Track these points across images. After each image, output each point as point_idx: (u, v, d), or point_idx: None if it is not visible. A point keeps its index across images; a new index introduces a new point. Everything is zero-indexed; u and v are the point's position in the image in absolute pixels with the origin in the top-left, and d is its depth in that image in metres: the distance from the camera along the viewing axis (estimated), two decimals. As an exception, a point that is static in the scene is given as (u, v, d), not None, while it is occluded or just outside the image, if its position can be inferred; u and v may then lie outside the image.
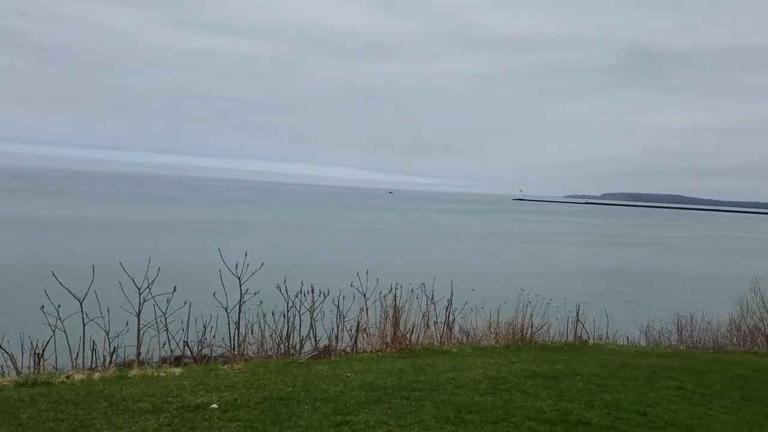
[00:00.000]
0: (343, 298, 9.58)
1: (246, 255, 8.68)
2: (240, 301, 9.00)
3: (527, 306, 11.11)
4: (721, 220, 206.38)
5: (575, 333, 11.75)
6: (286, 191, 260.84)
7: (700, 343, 13.45)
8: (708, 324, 14.70)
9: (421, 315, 10.24)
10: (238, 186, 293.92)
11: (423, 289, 10.32)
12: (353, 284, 9.58)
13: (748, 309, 16.97)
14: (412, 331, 9.97)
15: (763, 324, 16.34)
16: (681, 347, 12.72)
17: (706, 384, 7.73)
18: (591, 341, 11.67)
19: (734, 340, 14.59)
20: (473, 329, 11.31)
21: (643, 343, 13.25)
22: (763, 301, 16.98)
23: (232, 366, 8.00)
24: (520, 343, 10.78)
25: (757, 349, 13.83)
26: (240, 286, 9.00)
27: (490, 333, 11.19)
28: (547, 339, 11.48)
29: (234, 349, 8.97)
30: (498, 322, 11.30)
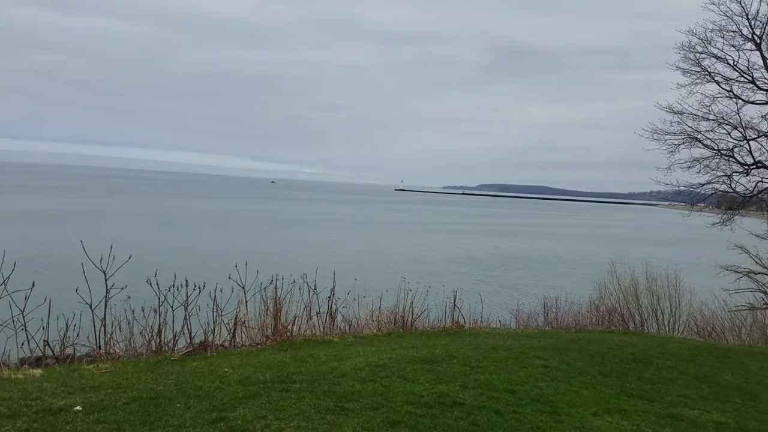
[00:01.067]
0: (221, 291, 9.24)
1: (111, 247, 8.12)
2: (106, 296, 8.41)
3: (408, 294, 11.33)
4: (582, 209, 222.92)
5: (453, 318, 12.15)
6: (164, 180, 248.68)
7: (563, 323, 14.39)
8: (571, 306, 15.78)
9: (303, 306, 10.12)
10: (115, 175, 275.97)
11: (305, 279, 10.20)
12: (231, 276, 9.27)
13: (606, 291, 18.45)
14: (294, 322, 9.83)
15: (619, 305, 17.84)
16: (547, 328, 13.55)
17: (569, 361, 8.28)
18: (467, 326, 12.12)
19: (594, 320, 15.77)
20: (356, 318, 11.37)
21: (513, 325, 13.97)
22: (619, 284, 18.52)
23: (98, 365, 7.50)
24: (401, 330, 10.98)
25: (614, 328, 15.05)
26: (105, 280, 8.42)
27: (373, 321, 11.31)
28: (426, 325, 11.79)
29: (100, 347, 8.39)
30: (380, 311, 11.44)
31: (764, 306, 21.38)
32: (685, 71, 21.97)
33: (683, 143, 22.29)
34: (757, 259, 23.63)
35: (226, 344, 9.26)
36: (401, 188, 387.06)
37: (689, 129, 22.22)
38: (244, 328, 9.50)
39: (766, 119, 21.81)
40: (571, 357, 8.62)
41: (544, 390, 6.71)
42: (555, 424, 5.60)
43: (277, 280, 9.71)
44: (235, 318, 9.36)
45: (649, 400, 6.82)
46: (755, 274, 23.65)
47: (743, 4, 20.77)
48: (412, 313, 11.31)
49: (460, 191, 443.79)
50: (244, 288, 9.46)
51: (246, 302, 9.53)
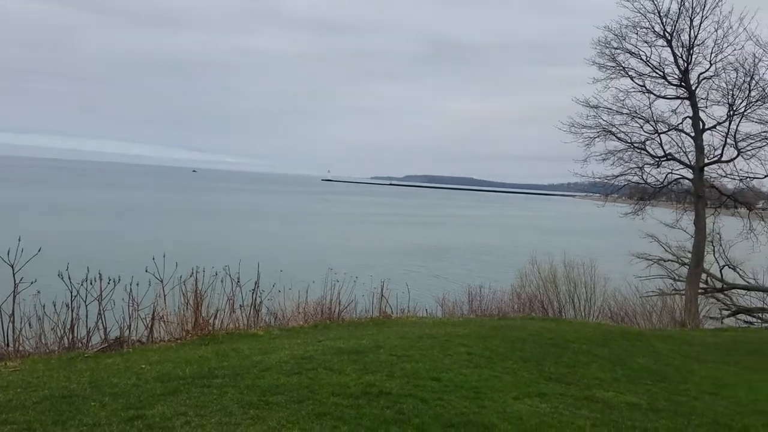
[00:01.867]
0: (137, 284, 8.85)
1: (20, 240, 7.63)
2: (14, 291, 7.92)
3: (335, 285, 11.25)
4: (507, 200, 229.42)
5: (380, 308, 12.19)
6: (75, 169, 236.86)
7: (487, 311, 14.73)
8: (494, 294, 16.19)
9: (225, 299, 9.85)
10: (19, 164, 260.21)
11: (227, 271, 9.92)
12: (148, 269, 8.90)
13: (527, 279, 19.07)
14: (216, 316, 9.56)
15: (540, 292, 18.47)
16: (471, 316, 13.81)
17: (492, 348, 8.47)
18: (394, 315, 12.18)
19: (516, 307, 16.24)
20: (281, 311, 11.19)
21: (440, 314, 14.16)
22: (539, 272, 19.17)
23: (6, 364, 7.06)
24: (328, 321, 10.90)
25: (534, 314, 15.55)
26: (13, 274, 7.92)
27: (299, 313, 11.17)
28: (354, 316, 11.76)
29: (8, 345, 7.89)
30: (306, 302, 11.31)
31: (673, 292, 22.70)
32: (601, 66, 22.90)
33: (599, 136, 23.27)
34: (666, 247, 25.06)
35: (144, 340, 8.91)
36: (328, 178, 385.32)
37: (604, 123, 23.23)
38: (162, 323, 9.15)
39: (675, 113, 23.06)
40: (494, 344, 8.81)
41: (468, 376, 6.83)
42: (478, 410, 5.70)
43: (197, 272, 9.41)
44: (153, 312, 9.01)
45: (567, 383, 7.08)
46: (665, 261, 25.09)
47: (655, 2, 21.82)
48: (339, 304, 11.24)
49: (388, 182, 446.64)
50: (162, 281, 9.11)
51: (164, 296, 9.18)
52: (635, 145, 23.28)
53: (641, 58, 22.53)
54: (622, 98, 22.99)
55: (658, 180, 23.90)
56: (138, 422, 4.87)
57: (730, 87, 21.99)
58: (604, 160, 23.49)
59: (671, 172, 23.79)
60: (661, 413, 6.27)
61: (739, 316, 24.96)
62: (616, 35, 22.40)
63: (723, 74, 21.94)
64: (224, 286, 9.85)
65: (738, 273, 25.38)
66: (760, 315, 24.74)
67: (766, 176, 23.11)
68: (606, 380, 7.51)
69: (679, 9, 21.53)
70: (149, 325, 8.96)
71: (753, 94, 21.82)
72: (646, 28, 22.10)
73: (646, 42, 22.35)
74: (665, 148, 23.29)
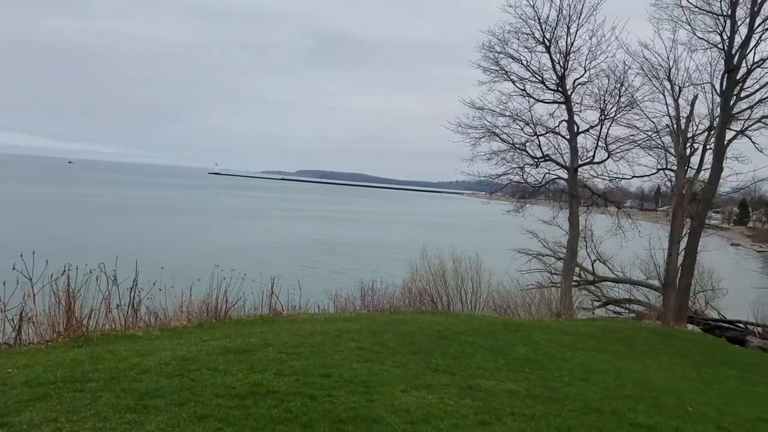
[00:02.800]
0: (4, 283, 8.11)
1: None
2: None
3: (222, 282, 10.88)
4: (399, 197, 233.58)
5: (270, 305, 11.96)
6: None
7: (379, 306, 14.87)
8: (386, 289, 16.36)
9: (101, 298, 9.25)
10: None
11: (103, 269, 9.32)
12: (15, 267, 8.18)
13: (417, 274, 19.43)
14: (90, 316, 8.95)
15: (429, 286, 18.88)
16: (363, 311, 13.91)
17: (382, 342, 8.55)
18: (285, 312, 12.01)
19: (407, 301, 16.51)
20: (162, 310, 10.67)
21: (332, 310, 14.12)
22: (429, 267, 19.59)
23: None
24: (214, 320, 10.53)
25: (424, 308, 15.90)
26: None
27: (182, 312, 10.70)
28: (242, 314, 11.45)
29: None
30: (190, 301, 10.86)
31: (550, 284, 24.09)
32: (485, 69, 23.85)
33: (484, 137, 24.26)
34: (544, 243, 26.56)
35: (11, 342, 8.21)
36: (216, 171, 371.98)
37: (489, 124, 24.25)
38: (31, 324, 8.46)
39: (553, 117, 24.47)
40: (384, 338, 8.91)
41: (358, 371, 6.84)
42: (367, 404, 5.73)
43: (69, 270, 8.76)
44: (21, 313, 8.31)
45: (452, 373, 7.28)
46: (543, 256, 26.59)
47: (536, 9, 22.99)
48: (226, 302, 10.88)
49: (279, 177, 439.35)
50: (31, 280, 8.41)
51: (33, 295, 8.49)
52: (517, 146, 24.49)
53: (522, 63, 23.71)
54: (505, 101, 24.12)
55: (537, 179, 25.31)
56: (3, 430, 4.53)
57: (602, 93, 23.69)
58: (489, 159, 24.54)
59: (549, 172, 25.27)
60: (538, 399, 6.61)
61: (609, 306, 27.00)
62: (500, 40, 23.42)
63: (596, 80, 23.59)
64: (99, 285, 9.25)
65: (608, 267, 27.42)
66: (627, 305, 26.87)
67: (633, 177, 25.13)
68: (489, 369, 7.81)
69: (558, 17, 22.86)
70: (17, 327, 8.27)
71: (622, 99, 23.64)
72: (527, 34, 23.28)
73: (526, 47, 23.55)
74: (543, 149, 24.70)
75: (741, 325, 27.59)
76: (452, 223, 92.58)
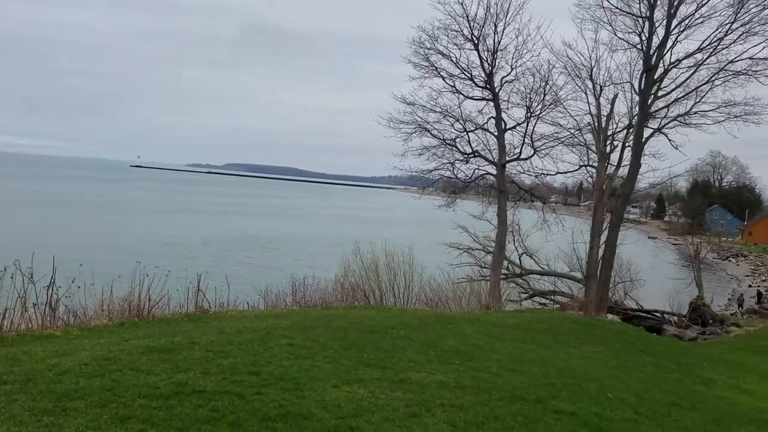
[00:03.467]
0: None
1: None
2: None
3: (144, 279, 10.48)
4: (331, 192, 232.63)
5: (196, 303, 11.63)
6: None
7: (311, 302, 14.73)
8: (318, 284, 16.23)
9: (16, 296, 8.75)
10: None
11: (18, 266, 8.81)
12: None
13: (350, 269, 19.40)
14: (5, 315, 8.46)
15: (362, 281, 18.87)
16: (295, 307, 13.73)
17: (314, 338, 8.47)
18: (213, 310, 11.70)
19: (339, 297, 16.43)
20: (82, 309, 10.19)
21: (262, 306, 13.87)
22: (362, 262, 19.60)
23: None
24: (136, 318, 10.14)
25: (357, 303, 15.87)
26: None
27: (103, 311, 10.25)
28: (167, 312, 11.07)
29: None
30: (111, 299, 10.42)
31: (480, 278, 24.62)
32: (416, 65, 24.06)
33: (415, 132, 24.48)
34: (474, 237, 27.12)
35: None
36: (138, 164, 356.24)
37: (420, 119, 24.48)
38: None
39: (482, 113, 24.96)
40: (316, 334, 8.82)
41: (289, 368, 6.75)
42: (297, 400, 5.66)
43: (-20, 268, 8.25)
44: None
45: (384, 367, 7.30)
46: (473, 250, 27.15)
47: (464, 6, 23.35)
48: (150, 300, 10.48)
49: (206, 170, 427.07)
50: (-65, 279, 7.86)
51: (-60, 296, 7.93)
52: (447, 141, 24.86)
53: (452, 60, 24.06)
54: (435, 97, 24.42)
55: (467, 175, 25.78)
56: None
57: (528, 91, 24.37)
58: (420, 155, 24.80)
59: (478, 168, 25.79)
60: (467, 390, 6.73)
61: (535, 298, 27.90)
62: (429, 36, 23.67)
63: (522, 79, 24.24)
64: (14, 283, 8.76)
65: (534, 260, 28.31)
66: (552, 297, 27.84)
67: (557, 173, 26.01)
68: (420, 362, 7.87)
69: (485, 15, 23.31)
70: None
71: (547, 98, 24.39)
72: (456, 31, 23.63)
73: (456, 44, 23.90)
74: (473, 145, 25.18)
75: (658, 314, 29.15)
76: (385, 218, 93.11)
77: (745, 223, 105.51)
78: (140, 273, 10.41)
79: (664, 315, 29.20)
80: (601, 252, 24.81)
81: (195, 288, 11.67)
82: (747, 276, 63.00)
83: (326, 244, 49.18)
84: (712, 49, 22.67)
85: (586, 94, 25.40)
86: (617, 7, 23.21)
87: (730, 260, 76.19)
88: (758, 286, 53.56)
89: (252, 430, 4.94)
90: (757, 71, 22.25)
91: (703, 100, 23.69)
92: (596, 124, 25.44)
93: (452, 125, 24.89)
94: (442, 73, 24.14)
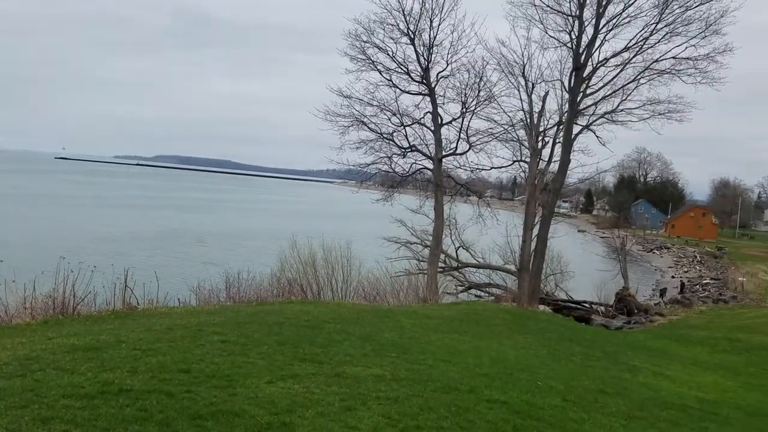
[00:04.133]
0: None
1: None
2: None
3: (69, 275, 10.03)
4: (267, 185, 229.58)
5: (124, 300, 11.23)
6: None
7: (245, 297, 14.47)
8: (253, 279, 15.96)
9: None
10: None
11: (-72, 263, 8.28)
12: None
13: (287, 264, 19.18)
14: None
15: (299, 276, 18.70)
16: (229, 303, 13.46)
17: (247, 334, 8.32)
18: (141, 307, 11.33)
19: (275, 292, 16.21)
20: (3, 306, 9.70)
21: (194, 302, 13.53)
22: (299, 256, 19.41)
23: None
24: (60, 316, 9.71)
25: (293, 298, 15.69)
26: None
27: (25, 309, 9.77)
28: (93, 309, 10.65)
29: None
30: (34, 296, 9.93)
31: (418, 271, 24.86)
32: (352, 58, 24.02)
33: (352, 125, 24.46)
34: (412, 231, 27.35)
35: None
36: (63, 156, 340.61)
37: (357, 113, 24.48)
38: None
39: (418, 108, 25.18)
40: (250, 330, 8.67)
41: (221, 365, 6.61)
42: (229, 398, 5.55)
43: None
44: None
45: (320, 362, 7.25)
46: (411, 243, 27.37)
47: (400, 1, 23.45)
48: (74, 296, 10.05)
49: (135, 162, 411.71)
50: None
51: None
52: (384, 135, 24.97)
53: (388, 54, 24.14)
54: (373, 90, 24.46)
55: (404, 169, 25.98)
56: None
57: (463, 86, 24.75)
58: (357, 148, 24.82)
59: (415, 162, 26.05)
60: (402, 382, 6.77)
61: (471, 290, 28.42)
62: (366, 29, 23.65)
63: (458, 74, 24.59)
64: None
65: (470, 253, 28.82)
66: (487, 289, 28.42)
67: (492, 168, 26.57)
68: (356, 356, 7.87)
69: (421, 9, 23.48)
70: None
71: (482, 94, 24.83)
72: (392, 25, 23.71)
73: (392, 38, 24.00)
74: (410, 140, 25.40)
75: (586, 304, 30.24)
76: (323, 212, 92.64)
77: (669, 216, 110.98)
78: (65, 269, 9.97)
79: (592, 305, 30.34)
80: (533, 245, 25.50)
81: (122, 284, 11.27)
82: (670, 267, 66.28)
83: (263, 238, 48.52)
84: (638, 49, 23.65)
85: (519, 90, 26.02)
86: (548, 6, 23.83)
87: (654, 252, 79.97)
88: (681, 277, 56.46)
89: (181, 429, 4.81)
90: (680, 70, 23.36)
91: (629, 98, 24.72)
92: (528, 120, 26.10)
93: (389, 119, 25.01)
94: (378, 67, 24.21)
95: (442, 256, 26.98)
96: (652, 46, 23.48)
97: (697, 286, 51.17)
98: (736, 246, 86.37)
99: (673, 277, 57.79)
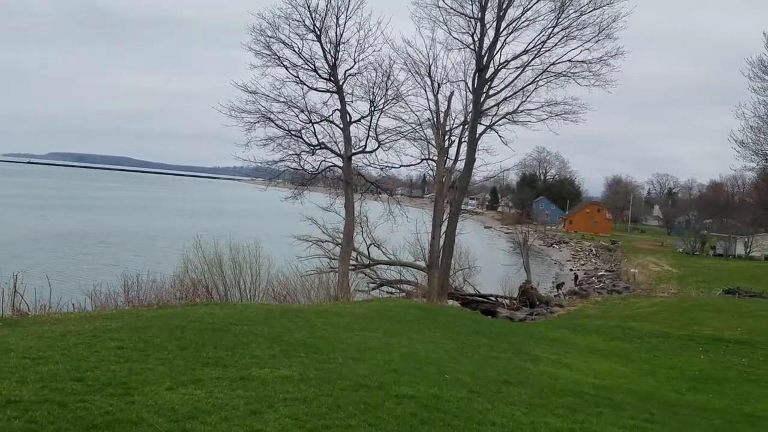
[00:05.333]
0: None
1: None
2: None
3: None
4: (170, 183, 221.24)
5: (13, 305, 10.47)
6: None
7: (145, 301, 13.83)
8: (153, 282, 15.29)
9: None
10: None
11: None
12: None
13: (191, 265, 18.51)
14: None
15: (204, 277, 18.11)
16: (127, 307, 12.83)
17: (146, 339, 7.95)
18: (32, 313, 10.60)
19: (178, 294, 15.60)
20: None
21: (89, 307, 12.81)
22: (204, 257, 18.80)
23: None
24: (-62, 326, 8.89)
25: (198, 300, 15.16)
26: None
27: None
28: (-24, 317, 9.83)
29: None
30: None
31: (329, 269, 24.77)
32: (257, 53, 23.53)
33: (258, 122, 23.97)
34: (323, 229, 27.18)
35: None
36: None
37: (263, 109, 24.00)
38: None
39: (327, 105, 25.05)
40: (149, 334, 8.30)
41: (117, 372, 6.28)
42: (126, 406, 5.27)
43: None
44: None
45: (224, 366, 7.04)
46: (322, 242, 27.20)
47: (306, -4, 23.17)
48: (-46, 304, 9.26)
49: (26, 159, 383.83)
50: None
51: None
52: (292, 132, 24.65)
53: (294, 50, 23.84)
54: (279, 87, 24.08)
55: (314, 167, 25.77)
56: None
57: (370, 85, 24.87)
58: (265, 145, 24.35)
59: (325, 160, 25.91)
60: (311, 382, 6.69)
61: (383, 287, 28.64)
62: (270, 24, 23.23)
63: (365, 73, 24.68)
64: None
65: (381, 250, 29.03)
66: (398, 286, 28.74)
67: (401, 166, 26.89)
68: (264, 358, 7.71)
69: (327, 6, 23.34)
70: None
71: (389, 92, 25.07)
72: (298, 21, 23.42)
73: (298, 34, 23.71)
74: (319, 137, 25.23)
75: (492, 298, 31.30)
76: (229, 210, 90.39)
77: (567, 212, 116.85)
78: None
79: (498, 298, 31.44)
80: (442, 241, 26.04)
81: (11, 289, 10.50)
82: (568, 261, 69.76)
83: (164, 238, 46.69)
84: (536, 52, 24.70)
85: (425, 90, 26.48)
86: (452, 8, 24.38)
87: (554, 247, 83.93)
88: (577, 270, 59.59)
89: (74, 441, 4.52)
90: (575, 73, 24.63)
91: (528, 99, 25.78)
92: (435, 119, 26.62)
93: (297, 116, 24.73)
94: (285, 63, 23.85)
95: (354, 254, 27.03)
96: (549, 50, 24.60)
97: (593, 278, 54.11)
98: (628, 239, 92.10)
99: (571, 269, 60.83)
